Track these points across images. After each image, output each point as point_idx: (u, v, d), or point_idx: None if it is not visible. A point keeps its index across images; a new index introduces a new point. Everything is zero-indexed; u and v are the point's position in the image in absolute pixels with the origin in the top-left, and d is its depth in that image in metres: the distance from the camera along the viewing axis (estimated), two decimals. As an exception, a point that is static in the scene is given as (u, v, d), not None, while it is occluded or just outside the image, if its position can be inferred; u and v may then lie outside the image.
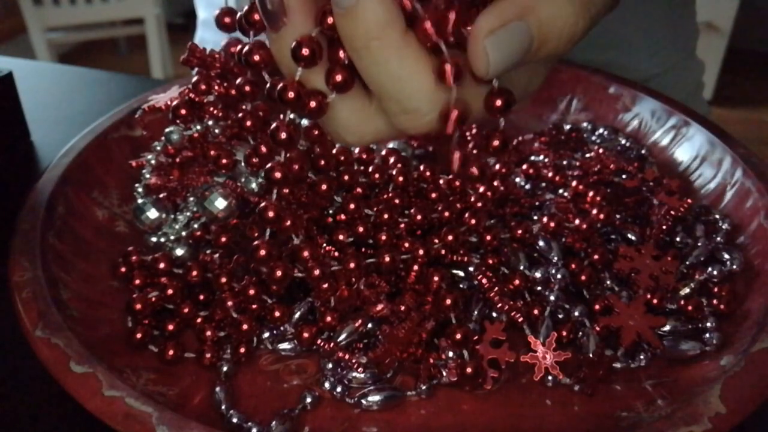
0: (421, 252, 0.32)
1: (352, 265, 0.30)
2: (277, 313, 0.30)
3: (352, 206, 0.33)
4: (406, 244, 0.32)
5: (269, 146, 0.25)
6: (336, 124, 0.24)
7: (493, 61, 0.20)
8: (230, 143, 0.35)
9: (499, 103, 0.22)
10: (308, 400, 0.28)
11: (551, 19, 0.21)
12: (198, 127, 0.35)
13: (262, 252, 0.27)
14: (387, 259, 0.31)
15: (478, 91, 0.22)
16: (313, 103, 0.23)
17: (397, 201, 0.34)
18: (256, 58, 0.24)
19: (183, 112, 0.34)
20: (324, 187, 0.31)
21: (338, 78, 0.22)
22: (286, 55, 0.22)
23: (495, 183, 0.36)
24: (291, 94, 0.23)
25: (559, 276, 0.32)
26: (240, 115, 0.28)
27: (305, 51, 0.22)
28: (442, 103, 0.22)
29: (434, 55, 0.21)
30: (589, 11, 0.22)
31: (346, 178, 0.35)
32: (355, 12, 0.20)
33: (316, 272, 0.29)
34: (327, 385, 0.29)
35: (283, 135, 0.23)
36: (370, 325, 0.30)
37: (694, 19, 0.61)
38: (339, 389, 0.28)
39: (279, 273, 0.28)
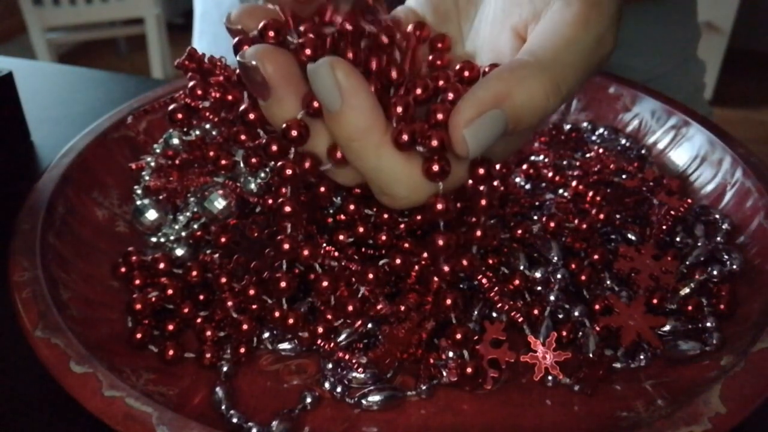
0: (425, 255, 0.32)
1: (370, 276, 0.30)
2: (276, 314, 0.30)
3: (351, 207, 0.33)
4: (406, 245, 0.32)
5: (278, 145, 0.25)
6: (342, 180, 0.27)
7: (471, 146, 0.22)
8: (229, 143, 0.35)
9: (481, 171, 0.25)
10: (308, 400, 0.28)
11: (525, 102, 0.22)
12: (197, 132, 0.35)
13: (286, 246, 0.27)
14: (398, 261, 0.31)
15: (460, 161, 0.24)
16: (307, 164, 0.25)
17: None
18: (251, 116, 0.26)
19: (179, 116, 0.34)
20: (322, 189, 0.31)
21: (338, 155, 0.24)
22: (277, 122, 0.24)
23: (495, 183, 0.36)
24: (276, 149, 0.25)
25: (559, 276, 0.32)
26: (235, 129, 0.28)
27: (293, 133, 0.24)
28: (423, 191, 0.24)
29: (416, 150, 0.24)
30: (560, 91, 0.23)
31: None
32: (338, 118, 0.22)
33: (317, 270, 0.29)
34: (327, 385, 0.29)
35: (294, 133, 0.24)
36: (370, 325, 0.30)
37: (695, 20, 0.61)
38: (339, 389, 0.28)
39: (283, 284, 0.28)
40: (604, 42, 0.25)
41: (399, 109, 0.23)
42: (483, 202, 0.28)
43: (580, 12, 0.24)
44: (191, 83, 0.33)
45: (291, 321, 0.29)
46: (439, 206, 0.24)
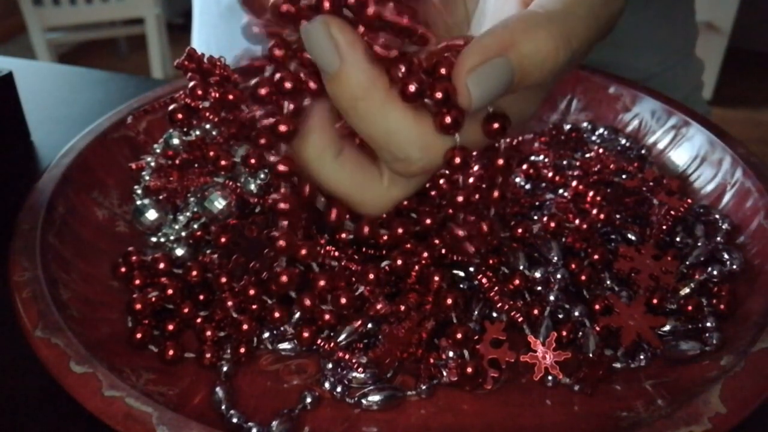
0: (425, 254, 0.32)
1: (371, 276, 0.30)
2: (276, 314, 0.30)
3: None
4: (408, 245, 0.32)
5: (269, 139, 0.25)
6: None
7: (474, 96, 0.21)
8: (229, 144, 0.35)
9: (496, 126, 0.23)
10: (308, 400, 0.28)
11: (532, 52, 0.21)
12: (197, 132, 0.35)
13: (282, 243, 0.27)
14: (399, 262, 0.31)
15: (474, 117, 0.23)
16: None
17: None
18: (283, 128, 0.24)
19: (179, 116, 0.34)
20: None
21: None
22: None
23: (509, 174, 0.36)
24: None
25: (559, 276, 0.32)
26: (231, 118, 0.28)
27: None
28: (436, 149, 0.23)
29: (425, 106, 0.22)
30: (570, 44, 0.22)
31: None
32: (339, 77, 0.21)
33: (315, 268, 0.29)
34: (327, 385, 0.29)
35: (283, 128, 0.24)
36: (369, 325, 0.30)
37: (693, 19, 0.61)
38: (339, 389, 0.28)
39: (284, 278, 0.28)
40: None
41: (402, 68, 0.22)
42: (495, 193, 0.27)
43: None
44: (191, 84, 0.33)
45: (277, 314, 0.30)
46: (457, 160, 0.23)
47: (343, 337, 0.30)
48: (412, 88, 0.22)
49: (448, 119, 0.22)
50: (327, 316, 0.30)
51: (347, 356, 0.29)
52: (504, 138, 0.24)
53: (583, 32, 0.23)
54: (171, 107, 0.34)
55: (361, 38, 0.22)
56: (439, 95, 0.22)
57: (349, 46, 0.21)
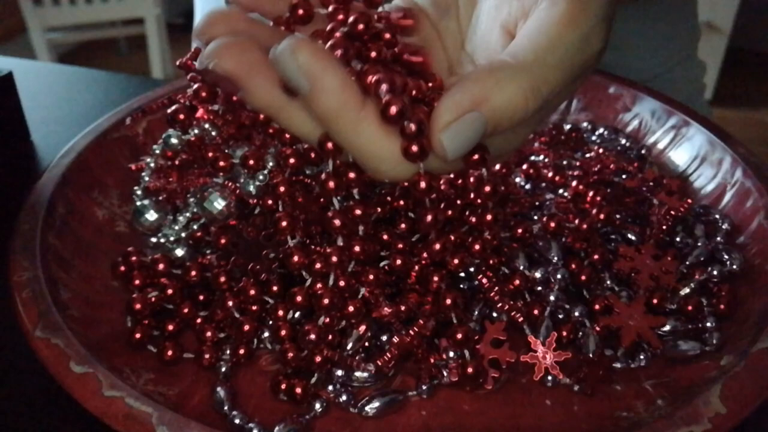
0: (425, 255, 0.31)
1: (371, 277, 0.30)
2: (280, 312, 0.30)
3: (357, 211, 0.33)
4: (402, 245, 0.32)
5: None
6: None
7: (449, 150, 0.22)
8: (228, 145, 0.35)
9: (475, 157, 0.24)
10: (317, 407, 0.28)
11: (503, 105, 0.22)
12: (195, 131, 0.35)
13: (284, 223, 0.27)
14: (399, 262, 0.31)
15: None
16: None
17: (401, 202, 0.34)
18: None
19: (182, 116, 0.34)
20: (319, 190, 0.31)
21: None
22: (256, 108, 0.24)
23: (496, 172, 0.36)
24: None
25: (559, 276, 0.32)
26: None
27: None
28: (404, 170, 0.24)
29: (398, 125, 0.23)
30: (540, 93, 0.23)
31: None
32: (309, 99, 0.22)
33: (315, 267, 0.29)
34: (330, 388, 0.29)
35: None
36: (375, 330, 0.30)
37: (695, 20, 0.61)
38: (344, 398, 0.28)
39: (296, 258, 0.28)
40: (590, 42, 0.24)
41: (384, 86, 0.22)
42: (487, 188, 0.27)
43: (566, 11, 0.24)
44: (196, 86, 0.33)
45: (281, 312, 0.30)
46: (422, 185, 0.24)
47: (350, 346, 0.29)
48: (393, 110, 0.22)
49: (414, 148, 0.23)
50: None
51: (355, 363, 0.29)
52: (483, 167, 0.25)
53: (554, 80, 0.24)
54: (173, 107, 0.34)
55: (334, 60, 0.22)
56: (412, 127, 0.22)
57: (317, 73, 0.21)
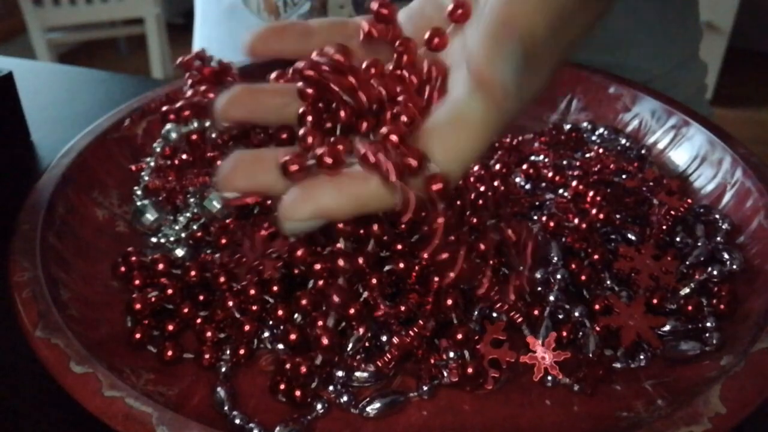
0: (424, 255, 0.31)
1: (374, 281, 0.30)
2: (280, 312, 0.30)
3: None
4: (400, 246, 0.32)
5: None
6: None
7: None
8: (227, 145, 0.35)
9: (436, 186, 0.24)
10: (319, 408, 0.28)
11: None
12: (195, 125, 0.35)
13: (336, 298, 0.28)
14: (401, 265, 0.30)
15: (417, 177, 0.25)
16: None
17: None
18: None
19: (187, 113, 0.34)
20: None
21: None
22: None
23: (495, 183, 0.36)
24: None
25: (559, 276, 0.32)
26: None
27: None
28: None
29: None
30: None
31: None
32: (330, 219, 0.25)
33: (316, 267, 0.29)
34: (330, 388, 0.29)
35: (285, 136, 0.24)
36: (375, 330, 0.30)
37: (696, 20, 0.61)
38: (345, 399, 0.28)
39: (300, 252, 0.29)
40: (506, 116, 0.25)
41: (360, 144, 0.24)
42: (480, 201, 0.28)
43: (480, 113, 0.24)
44: (202, 88, 0.33)
45: (281, 312, 0.30)
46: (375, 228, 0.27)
47: (350, 347, 0.29)
48: (371, 159, 0.24)
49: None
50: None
51: (354, 363, 0.29)
52: (445, 199, 0.25)
53: (456, 178, 0.26)
54: (179, 105, 0.34)
55: (319, 187, 0.24)
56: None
57: (322, 214, 0.24)
